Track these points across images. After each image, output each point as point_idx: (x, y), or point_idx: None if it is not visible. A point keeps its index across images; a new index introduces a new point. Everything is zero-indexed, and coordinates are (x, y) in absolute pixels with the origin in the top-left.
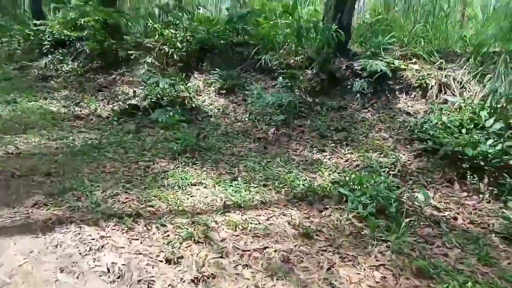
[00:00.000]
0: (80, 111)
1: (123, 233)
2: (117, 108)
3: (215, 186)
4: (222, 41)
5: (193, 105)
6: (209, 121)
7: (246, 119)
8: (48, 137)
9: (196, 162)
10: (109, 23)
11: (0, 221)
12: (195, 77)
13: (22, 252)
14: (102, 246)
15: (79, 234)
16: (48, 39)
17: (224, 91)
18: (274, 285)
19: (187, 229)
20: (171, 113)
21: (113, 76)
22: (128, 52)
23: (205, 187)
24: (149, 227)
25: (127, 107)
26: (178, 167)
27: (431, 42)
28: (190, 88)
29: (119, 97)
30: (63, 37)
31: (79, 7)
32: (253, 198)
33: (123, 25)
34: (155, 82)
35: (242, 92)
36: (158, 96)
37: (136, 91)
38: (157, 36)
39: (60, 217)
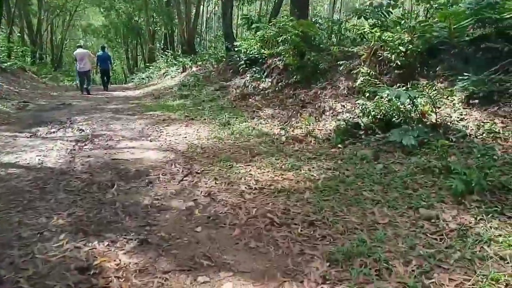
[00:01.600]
0: (293, 131)
1: None
2: (333, 127)
3: None
4: (456, 38)
5: (434, 120)
6: (472, 144)
7: None
8: (280, 166)
9: (506, 212)
10: (305, 36)
11: None
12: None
13: None
14: None
15: None
16: (244, 58)
17: (476, 101)
18: None
19: None
20: (415, 134)
21: (314, 91)
22: (337, 62)
23: None
24: None
25: (347, 126)
26: (481, 219)
27: None
28: (437, 100)
29: (327, 113)
30: (256, 56)
31: (280, 23)
32: None
33: (318, 37)
34: (394, 95)
35: (509, 102)
36: (387, 111)
37: (345, 105)
38: (373, 41)
39: None
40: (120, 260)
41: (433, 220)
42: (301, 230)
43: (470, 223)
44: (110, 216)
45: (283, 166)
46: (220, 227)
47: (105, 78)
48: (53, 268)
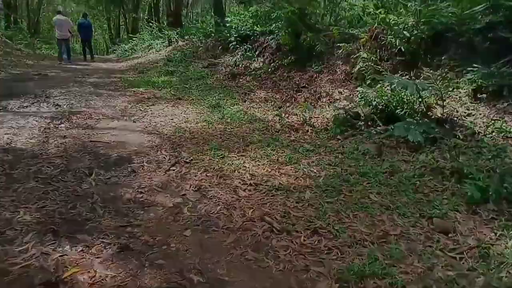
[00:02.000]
0: (288, 118)
1: None
2: (331, 116)
3: None
4: (465, 25)
5: (440, 115)
6: (482, 144)
7: None
8: (277, 158)
9: None
10: (302, 14)
11: None
12: (425, 76)
13: None
14: None
15: None
16: (234, 35)
17: (483, 95)
18: None
19: None
20: (421, 129)
21: (309, 74)
22: (334, 45)
23: None
24: None
25: (346, 115)
26: (502, 235)
27: None
28: (448, 92)
29: (323, 100)
30: (248, 32)
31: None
32: None
33: (314, 16)
34: (400, 85)
35: None
36: (390, 102)
37: (342, 92)
38: (376, 23)
39: None
40: (95, 271)
41: (450, 234)
42: (304, 240)
43: (490, 239)
44: (86, 213)
45: (279, 159)
46: (212, 231)
47: (86, 48)
48: (13, 283)
